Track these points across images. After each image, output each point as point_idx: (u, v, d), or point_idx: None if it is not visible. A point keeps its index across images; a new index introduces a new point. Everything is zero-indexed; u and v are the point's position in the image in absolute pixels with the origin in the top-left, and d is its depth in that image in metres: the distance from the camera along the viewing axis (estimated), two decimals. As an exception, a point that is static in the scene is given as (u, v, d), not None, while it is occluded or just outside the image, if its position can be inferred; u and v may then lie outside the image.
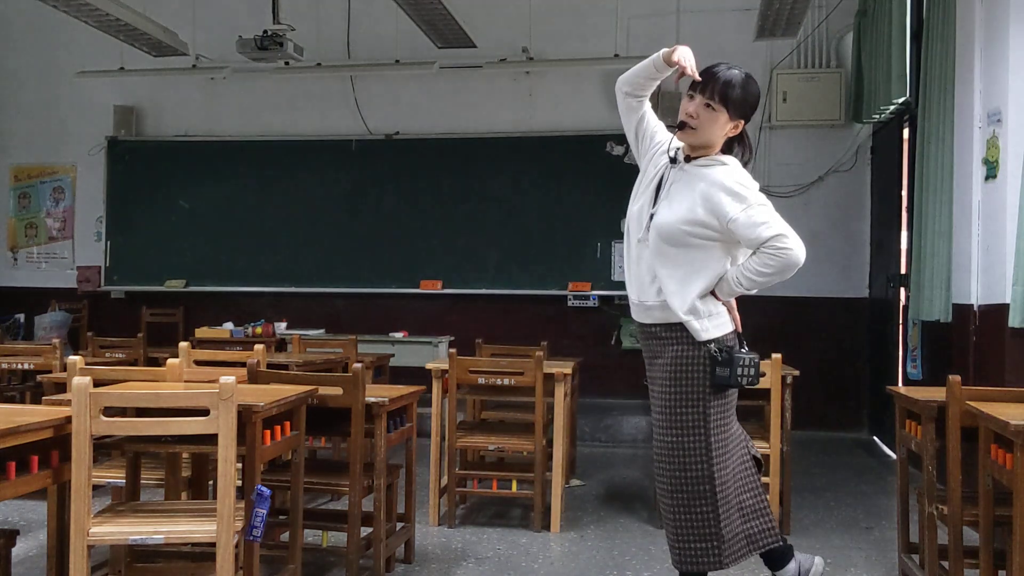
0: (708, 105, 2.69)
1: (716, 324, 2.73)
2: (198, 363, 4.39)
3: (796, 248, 2.64)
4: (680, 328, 2.71)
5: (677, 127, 2.72)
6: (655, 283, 2.72)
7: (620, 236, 7.62)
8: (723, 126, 2.73)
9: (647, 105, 2.86)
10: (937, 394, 3.19)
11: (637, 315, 2.82)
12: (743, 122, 2.78)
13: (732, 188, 2.68)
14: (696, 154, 2.76)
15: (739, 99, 2.73)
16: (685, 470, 2.69)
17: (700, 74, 2.70)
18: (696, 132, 2.70)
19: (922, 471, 3.31)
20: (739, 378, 2.69)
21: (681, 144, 2.78)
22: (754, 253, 2.68)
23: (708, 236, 2.70)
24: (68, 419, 2.52)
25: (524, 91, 7.91)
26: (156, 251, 8.43)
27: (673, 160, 2.76)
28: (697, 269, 2.71)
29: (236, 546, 2.64)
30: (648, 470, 5.49)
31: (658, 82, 2.80)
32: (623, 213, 8.60)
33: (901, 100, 5.93)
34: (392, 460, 3.74)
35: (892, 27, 5.89)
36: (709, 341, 2.69)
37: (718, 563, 2.73)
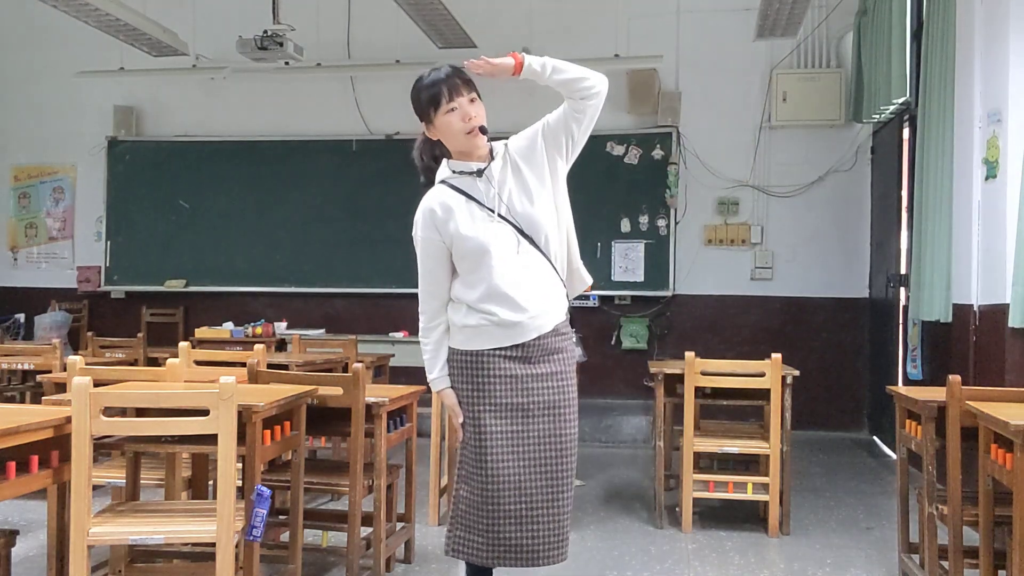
0: (472, 100, 2.69)
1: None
2: (198, 363, 4.39)
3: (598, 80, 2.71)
4: (565, 320, 2.75)
5: (479, 132, 2.66)
6: (548, 284, 2.68)
7: (621, 236, 7.67)
8: (483, 108, 2.73)
9: (442, 279, 2.87)
10: (937, 394, 3.19)
11: (528, 331, 2.65)
12: None
13: (524, 132, 2.74)
14: (483, 152, 2.72)
15: (471, 76, 2.72)
16: (569, 463, 2.68)
17: (440, 81, 2.71)
18: (483, 125, 2.69)
19: (922, 471, 3.31)
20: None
21: (448, 170, 2.79)
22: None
23: (559, 186, 2.72)
24: (68, 419, 2.52)
25: (524, 91, 7.90)
26: (156, 251, 8.43)
27: (479, 172, 2.71)
28: (566, 238, 2.76)
29: (236, 546, 2.64)
30: (648, 471, 5.50)
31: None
32: (623, 212, 8.59)
33: (901, 100, 5.94)
34: (392, 460, 3.74)
35: (892, 27, 5.89)
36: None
37: (565, 556, 2.70)
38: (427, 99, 2.69)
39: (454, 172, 2.74)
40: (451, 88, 2.65)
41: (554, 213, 2.70)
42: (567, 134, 2.70)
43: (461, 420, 2.69)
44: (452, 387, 2.73)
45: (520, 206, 2.66)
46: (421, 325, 2.85)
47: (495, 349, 2.66)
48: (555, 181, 2.71)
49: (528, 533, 2.63)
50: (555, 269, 2.70)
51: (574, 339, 2.80)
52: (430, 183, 2.82)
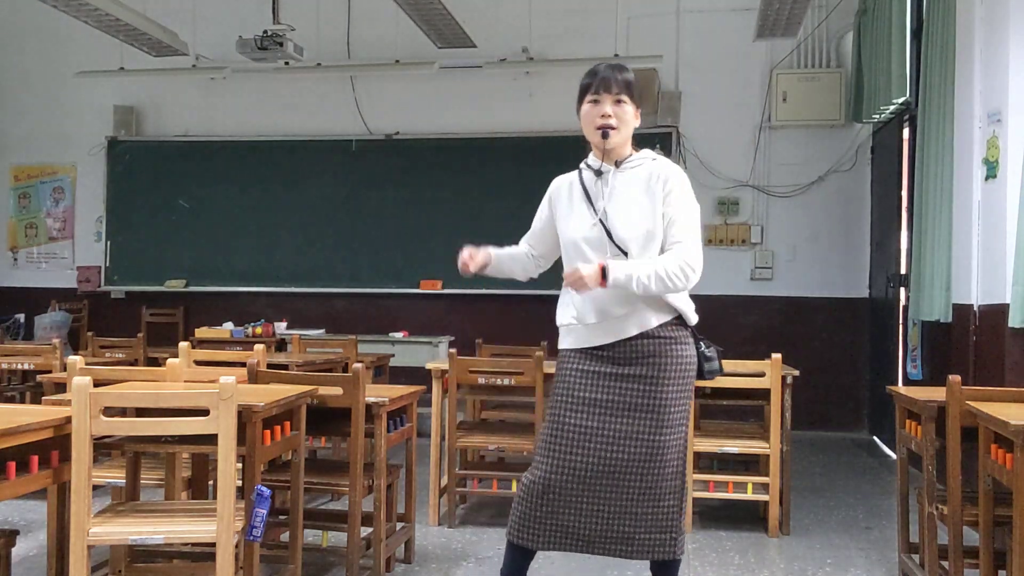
0: (619, 101, 2.71)
1: (687, 300, 2.84)
2: (198, 363, 4.39)
3: (693, 280, 2.72)
4: (673, 324, 2.74)
5: (602, 135, 2.70)
6: (632, 293, 2.67)
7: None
8: (632, 118, 2.76)
9: (531, 249, 3.01)
10: (937, 394, 3.19)
11: (607, 334, 2.70)
12: (639, 111, 2.80)
13: (683, 185, 2.75)
14: (619, 157, 2.77)
15: (638, 90, 2.77)
16: (664, 467, 2.68)
17: (596, 72, 2.74)
18: (618, 131, 2.72)
19: (922, 471, 3.31)
20: (721, 370, 2.83)
21: (586, 160, 2.83)
22: (663, 255, 2.68)
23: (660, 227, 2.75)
24: (68, 419, 2.52)
25: (524, 91, 7.91)
26: (156, 251, 8.43)
27: (599, 172, 2.76)
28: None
29: (236, 546, 2.64)
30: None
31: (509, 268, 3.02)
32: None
33: (901, 100, 5.94)
34: (392, 460, 3.74)
35: (892, 27, 5.89)
36: (695, 332, 2.79)
37: (674, 553, 2.74)
38: (582, 85, 2.77)
39: (587, 164, 2.83)
40: (604, 84, 2.71)
41: (648, 237, 2.71)
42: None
43: (470, 266, 2.84)
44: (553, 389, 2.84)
45: (617, 218, 2.71)
46: (522, 246, 3.04)
47: (580, 349, 2.75)
48: (655, 225, 2.74)
49: (588, 522, 2.70)
50: None
51: (688, 349, 2.76)
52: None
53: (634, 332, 2.70)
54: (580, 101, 2.77)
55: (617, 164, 2.78)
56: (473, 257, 2.86)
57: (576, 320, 2.75)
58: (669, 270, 2.65)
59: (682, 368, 2.73)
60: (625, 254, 2.70)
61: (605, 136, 2.70)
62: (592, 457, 2.69)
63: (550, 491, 2.70)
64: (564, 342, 2.82)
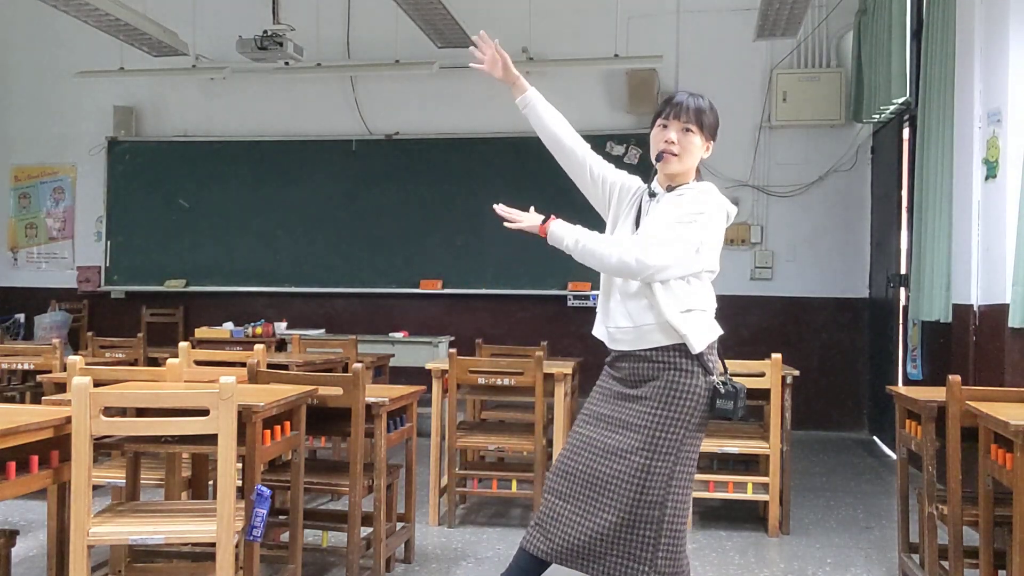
0: (687, 130, 2.70)
1: (700, 329, 2.65)
2: (198, 363, 4.39)
3: (633, 268, 2.59)
4: (676, 350, 2.63)
5: (656, 159, 2.71)
6: (650, 308, 2.63)
7: (620, 236, 7.67)
8: (699, 149, 2.75)
9: (585, 153, 2.86)
10: (937, 394, 3.19)
11: (629, 342, 2.69)
12: (712, 144, 2.79)
13: (706, 206, 2.68)
14: (675, 183, 2.75)
15: (712, 122, 2.76)
16: (644, 493, 2.59)
17: (672, 99, 2.74)
18: (679, 158, 2.70)
19: (922, 471, 3.31)
20: (739, 410, 2.65)
21: (653, 180, 2.80)
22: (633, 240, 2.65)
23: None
24: (68, 419, 2.52)
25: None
26: (156, 251, 8.43)
27: (652, 194, 2.76)
28: (686, 293, 2.67)
29: (236, 546, 2.64)
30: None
31: (548, 122, 2.85)
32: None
33: (901, 100, 5.94)
34: (392, 460, 3.74)
35: (892, 27, 5.89)
36: (706, 362, 2.64)
37: None
38: (659, 105, 2.78)
39: (650, 182, 2.80)
40: (675, 109, 2.72)
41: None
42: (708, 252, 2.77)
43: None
44: None
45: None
46: None
47: (607, 360, 2.78)
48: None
49: (562, 533, 2.67)
50: (661, 312, 2.62)
51: (695, 380, 2.62)
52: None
53: (640, 347, 2.65)
54: (653, 123, 2.78)
55: (669, 190, 2.74)
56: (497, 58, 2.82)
57: (603, 324, 2.78)
58: (610, 245, 2.64)
59: (682, 398, 2.62)
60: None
61: (659, 159, 2.69)
62: (582, 466, 2.68)
63: (557, 499, 2.71)
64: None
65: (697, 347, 2.61)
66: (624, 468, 2.61)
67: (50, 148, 8.83)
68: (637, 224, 2.73)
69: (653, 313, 2.62)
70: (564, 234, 2.65)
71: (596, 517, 2.64)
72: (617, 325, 2.71)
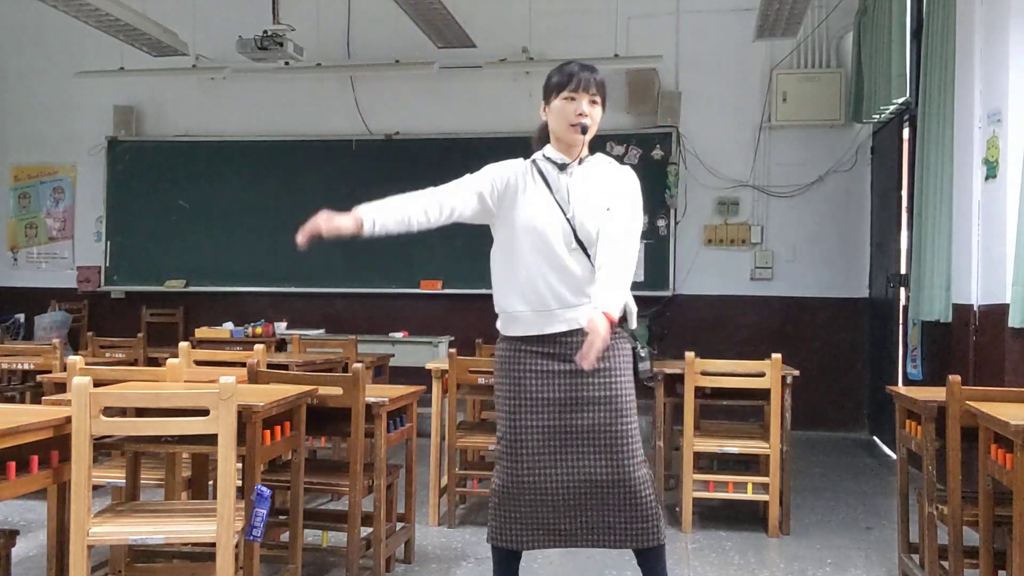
0: (594, 102, 2.77)
1: (631, 301, 2.82)
2: (198, 363, 4.39)
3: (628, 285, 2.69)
4: (623, 321, 2.76)
5: (579, 131, 2.73)
6: (590, 282, 2.69)
7: (620, 236, 7.67)
8: (600, 117, 2.83)
9: (451, 203, 2.87)
10: (937, 394, 3.19)
11: (558, 321, 2.71)
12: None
13: (638, 190, 2.81)
14: (578, 155, 2.82)
15: (606, 93, 2.84)
16: (631, 455, 2.71)
17: (574, 72, 2.75)
18: (591, 128, 2.78)
19: (922, 471, 3.31)
20: (654, 372, 2.90)
21: (542, 153, 2.83)
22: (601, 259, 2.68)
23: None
24: (68, 419, 2.52)
25: (524, 91, 7.89)
26: (156, 251, 8.43)
27: (562, 167, 2.79)
28: None
29: (236, 546, 2.64)
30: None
31: (399, 222, 2.81)
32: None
33: (901, 100, 5.94)
34: (392, 460, 3.74)
35: (892, 27, 5.89)
36: (631, 335, 2.80)
37: (659, 539, 2.75)
38: (555, 82, 2.79)
39: (545, 157, 2.84)
40: (580, 81, 2.75)
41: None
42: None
43: (321, 228, 2.65)
44: (495, 376, 2.83)
45: (582, 213, 2.74)
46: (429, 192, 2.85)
47: (530, 337, 2.75)
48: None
49: (568, 517, 2.72)
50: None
51: (629, 344, 2.80)
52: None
53: (584, 323, 2.64)
54: (551, 96, 2.78)
55: (579, 162, 2.82)
56: (330, 221, 2.66)
57: (526, 305, 2.75)
58: (624, 271, 2.67)
59: (627, 362, 2.78)
60: (584, 250, 2.72)
61: (584, 130, 2.74)
62: (559, 454, 2.71)
63: (525, 492, 2.72)
64: (511, 330, 2.79)
65: (633, 323, 2.79)
66: (605, 441, 2.71)
67: (50, 148, 8.83)
68: (554, 197, 2.76)
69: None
70: (614, 307, 2.60)
71: (595, 495, 2.70)
72: (565, 304, 2.72)
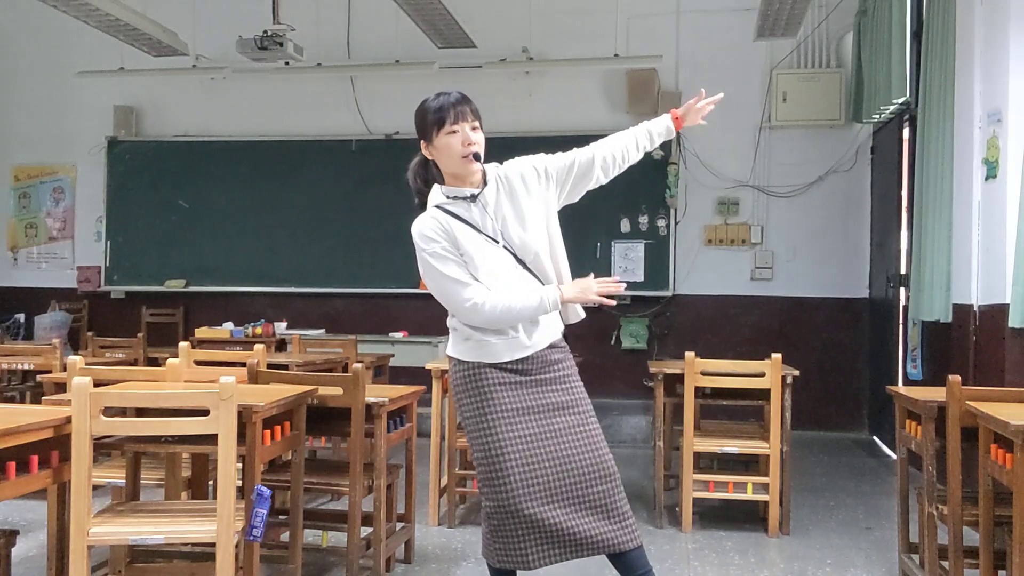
0: (475, 127, 2.72)
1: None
2: (198, 363, 4.39)
3: None
4: (561, 339, 2.84)
5: (474, 159, 2.68)
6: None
7: (620, 236, 7.67)
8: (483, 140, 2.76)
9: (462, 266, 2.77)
10: (937, 394, 3.19)
11: (524, 349, 2.71)
12: None
13: (522, 161, 2.81)
14: (478, 180, 2.75)
15: (479, 113, 2.77)
16: (603, 454, 2.72)
17: (448, 105, 2.70)
18: (480, 153, 2.71)
19: (922, 471, 3.31)
20: None
21: (443, 195, 2.79)
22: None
23: (553, 219, 2.81)
24: (68, 419, 2.52)
25: (524, 91, 7.91)
26: (156, 251, 8.43)
27: (474, 197, 2.73)
28: (562, 258, 2.84)
29: (236, 546, 2.64)
30: (648, 471, 5.49)
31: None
32: (623, 212, 8.56)
33: (901, 100, 5.94)
34: (392, 460, 3.74)
35: (892, 27, 5.89)
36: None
37: (637, 539, 2.71)
38: (432, 119, 2.70)
39: (448, 197, 2.76)
40: (458, 112, 2.69)
41: (546, 239, 2.78)
42: (573, 188, 2.84)
43: (592, 297, 2.76)
44: (457, 402, 2.79)
45: (514, 231, 2.73)
46: (482, 304, 2.67)
47: (494, 364, 2.73)
48: (549, 214, 2.80)
49: (577, 523, 2.67)
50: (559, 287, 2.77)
51: (569, 354, 2.87)
52: (422, 206, 2.84)
53: (545, 345, 2.76)
54: (432, 135, 2.70)
55: (485, 184, 2.75)
56: (586, 292, 2.78)
57: (496, 338, 2.71)
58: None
59: (576, 371, 2.84)
60: (529, 267, 2.73)
61: (478, 159, 2.69)
62: (546, 460, 2.68)
63: (524, 506, 2.64)
64: (475, 355, 2.72)
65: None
66: (581, 440, 2.72)
67: (50, 148, 8.83)
68: (482, 233, 2.70)
69: (552, 314, 2.78)
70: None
71: (584, 498, 2.68)
72: (527, 332, 2.72)
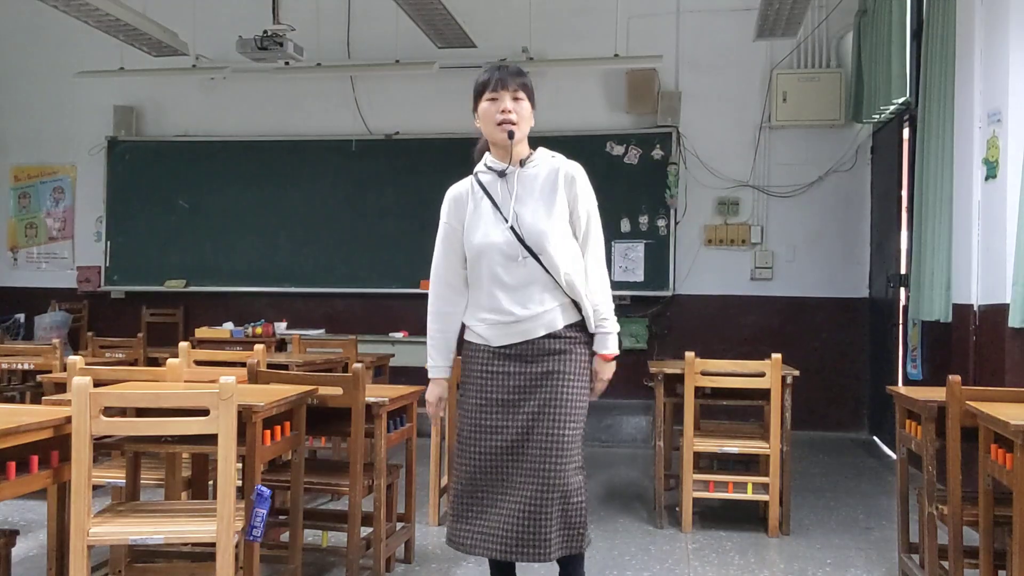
0: (517, 98, 2.75)
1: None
2: (198, 363, 4.39)
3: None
4: (580, 326, 2.78)
5: (507, 135, 2.72)
6: (545, 291, 2.72)
7: (621, 236, 7.67)
8: (530, 114, 2.80)
9: (457, 263, 2.87)
10: (937, 394, 3.19)
11: (521, 332, 2.73)
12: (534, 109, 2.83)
13: (588, 184, 2.82)
14: (519, 156, 2.79)
15: (532, 87, 2.82)
16: (567, 462, 2.70)
17: (493, 72, 2.76)
18: (519, 126, 2.75)
19: (922, 471, 3.31)
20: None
21: (484, 163, 2.85)
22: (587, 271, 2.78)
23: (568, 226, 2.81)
24: (68, 419, 2.52)
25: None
26: (156, 251, 8.43)
27: (502, 173, 2.77)
28: (575, 256, 2.78)
29: (236, 546, 2.64)
30: (648, 471, 5.50)
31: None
32: (623, 212, 8.57)
33: (901, 100, 5.94)
34: (392, 460, 3.74)
35: (892, 27, 5.89)
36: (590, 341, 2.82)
37: (580, 547, 2.75)
38: (477, 85, 2.78)
39: (486, 167, 2.83)
40: (501, 80, 2.74)
41: (562, 240, 2.74)
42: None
43: (435, 413, 2.90)
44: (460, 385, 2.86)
45: (529, 219, 2.73)
46: (429, 307, 2.88)
47: (488, 346, 2.77)
48: (575, 223, 2.80)
49: (507, 525, 2.68)
50: (559, 284, 2.73)
51: (586, 350, 2.80)
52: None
53: (541, 333, 2.74)
54: (477, 102, 2.78)
55: (521, 164, 2.79)
56: (431, 407, 2.92)
57: (483, 322, 2.77)
58: (607, 300, 2.81)
59: (583, 367, 2.78)
60: (536, 256, 2.71)
61: (511, 136, 2.72)
62: (504, 455, 2.72)
63: (475, 491, 2.73)
64: (471, 336, 2.83)
65: (592, 328, 2.79)
66: (545, 445, 2.69)
67: (50, 148, 8.83)
68: (498, 208, 2.75)
69: (556, 301, 2.73)
70: (613, 346, 2.80)
71: (532, 501, 2.67)
72: (522, 315, 2.71)
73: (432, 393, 2.88)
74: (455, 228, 2.84)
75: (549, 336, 2.74)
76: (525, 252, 2.71)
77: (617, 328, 2.81)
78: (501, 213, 2.75)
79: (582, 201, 2.77)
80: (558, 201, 2.75)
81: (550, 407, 2.71)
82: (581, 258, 2.78)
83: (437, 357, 2.86)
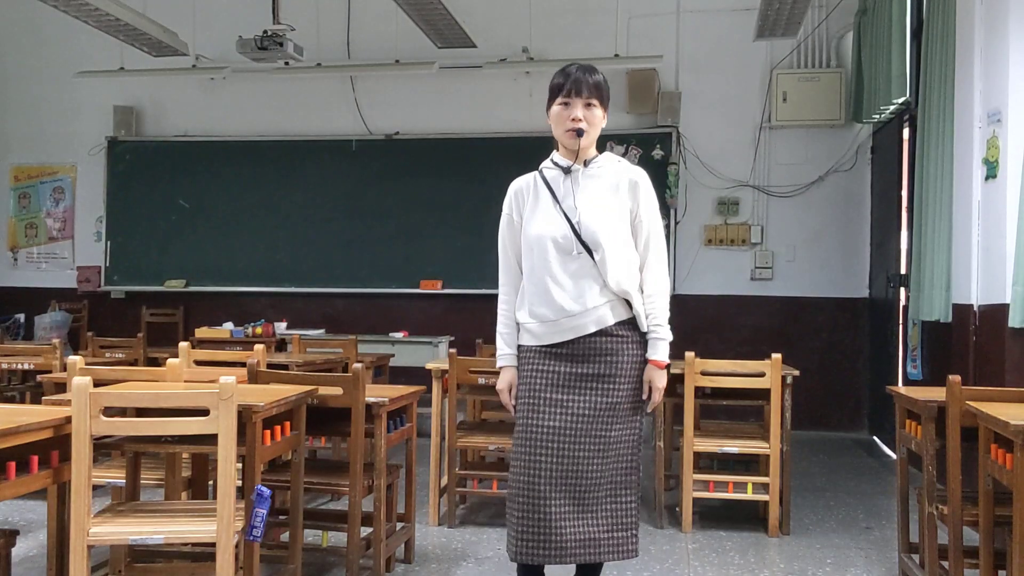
0: (589, 105, 2.78)
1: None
2: (198, 363, 4.39)
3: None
4: (632, 324, 2.77)
5: (575, 134, 2.75)
6: (596, 287, 2.73)
7: (620, 236, 7.67)
8: (601, 120, 2.84)
9: (514, 263, 2.89)
10: (937, 394, 3.19)
11: (572, 328, 2.73)
12: (607, 113, 2.89)
13: (652, 191, 2.84)
14: (586, 157, 2.83)
15: (608, 93, 2.87)
16: (617, 462, 2.72)
17: (569, 76, 2.78)
18: (589, 133, 2.79)
19: (922, 471, 3.31)
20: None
21: (550, 159, 2.87)
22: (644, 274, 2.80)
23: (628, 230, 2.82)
24: (68, 419, 2.52)
25: (524, 91, 7.90)
26: (156, 251, 8.43)
27: (567, 170, 2.80)
28: (631, 260, 2.79)
29: (236, 546, 2.64)
30: (648, 471, 5.49)
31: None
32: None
33: (901, 100, 5.94)
34: (392, 460, 3.74)
35: (892, 27, 5.89)
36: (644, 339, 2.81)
37: (635, 552, 2.77)
38: (553, 86, 2.81)
39: (553, 162, 2.86)
40: (575, 85, 2.76)
41: (618, 241, 2.76)
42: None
43: (508, 401, 2.85)
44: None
45: (587, 216, 2.74)
46: (499, 307, 2.90)
47: (539, 346, 2.77)
48: (636, 226, 2.81)
49: (565, 528, 2.68)
50: (607, 284, 2.73)
51: (638, 349, 2.78)
52: None
53: (592, 330, 2.74)
54: (551, 101, 2.81)
55: (585, 164, 2.83)
56: (503, 396, 2.88)
57: (534, 318, 2.78)
58: (664, 306, 2.80)
59: (635, 366, 2.77)
60: (591, 252, 2.72)
61: (580, 134, 2.75)
62: (560, 457, 2.71)
63: (536, 497, 2.68)
64: (523, 339, 2.83)
65: (644, 326, 2.79)
66: (595, 447, 2.70)
67: (50, 148, 8.83)
68: (558, 202, 2.77)
69: (607, 298, 2.73)
70: (665, 353, 2.78)
71: (585, 503, 2.69)
72: (571, 312, 2.72)
73: (503, 380, 2.86)
74: (515, 220, 2.87)
75: (599, 334, 2.73)
76: (580, 247, 2.73)
77: (670, 336, 2.78)
78: (561, 207, 2.77)
79: (644, 206, 2.79)
80: (619, 204, 2.77)
81: (599, 409, 2.72)
82: (635, 265, 2.78)
83: (505, 347, 2.86)
